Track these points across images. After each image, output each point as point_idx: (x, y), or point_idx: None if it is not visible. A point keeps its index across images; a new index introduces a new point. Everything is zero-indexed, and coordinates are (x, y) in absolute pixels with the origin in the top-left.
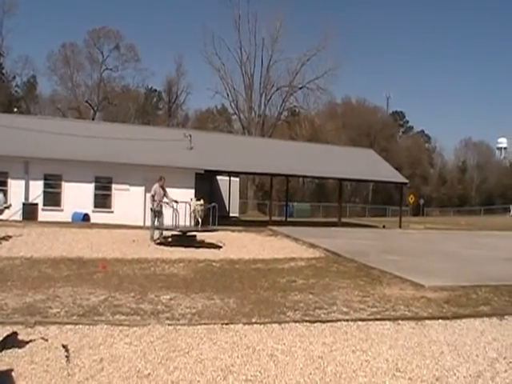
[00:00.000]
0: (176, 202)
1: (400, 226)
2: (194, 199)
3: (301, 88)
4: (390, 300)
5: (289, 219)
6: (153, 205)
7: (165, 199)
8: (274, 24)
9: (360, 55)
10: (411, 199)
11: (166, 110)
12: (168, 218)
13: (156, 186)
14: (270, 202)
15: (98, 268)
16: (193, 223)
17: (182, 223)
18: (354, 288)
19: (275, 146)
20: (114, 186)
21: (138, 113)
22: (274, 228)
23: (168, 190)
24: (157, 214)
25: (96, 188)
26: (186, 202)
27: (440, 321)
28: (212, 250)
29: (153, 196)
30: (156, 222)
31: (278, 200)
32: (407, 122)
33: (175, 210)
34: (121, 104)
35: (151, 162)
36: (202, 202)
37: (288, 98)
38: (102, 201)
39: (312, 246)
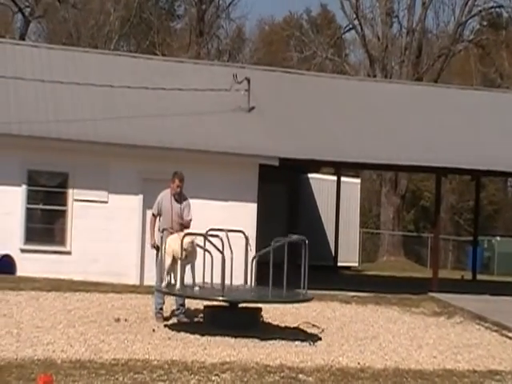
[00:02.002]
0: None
1: None
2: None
3: None
4: None
5: (481, 276)
6: (153, 238)
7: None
8: None
9: None
10: None
11: (194, 20)
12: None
13: (163, 196)
14: (436, 236)
15: None
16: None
17: (225, 281)
18: None
19: (450, 104)
20: (72, 192)
21: (126, 26)
22: (445, 297)
23: (194, 203)
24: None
25: (30, 198)
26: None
27: None
28: (297, 343)
29: (155, 216)
30: (169, 278)
31: (455, 231)
32: None
33: (220, 251)
34: (88, 6)
35: (157, 142)
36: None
37: None
38: (45, 227)
39: None
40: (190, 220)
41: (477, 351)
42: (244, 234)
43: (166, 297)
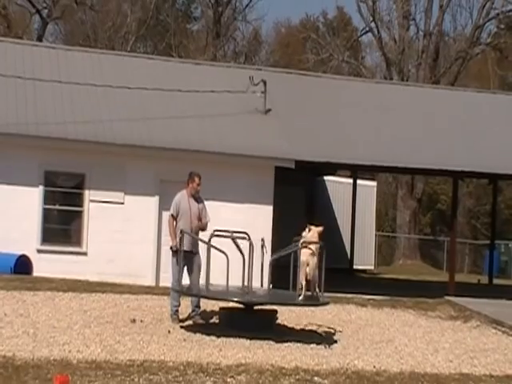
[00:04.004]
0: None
1: None
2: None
3: None
4: None
5: (498, 280)
6: (175, 240)
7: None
8: None
9: None
10: None
11: (211, 22)
12: (215, 271)
13: (181, 197)
14: (453, 240)
15: None
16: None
17: (236, 282)
18: None
19: (467, 107)
20: (88, 193)
21: (142, 28)
22: (462, 301)
23: (210, 205)
24: (186, 259)
25: (47, 198)
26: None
27: None
28: (312, 346)
29: (173, 216)
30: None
31: (472, 234)
32: None
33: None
34: (105, 8)
35: (174, 144)
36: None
37: None
38: (62, 228)
39: None
40: (208, 222)
41: (493, 356)
42: (249, 237)
43: (181, 298)
